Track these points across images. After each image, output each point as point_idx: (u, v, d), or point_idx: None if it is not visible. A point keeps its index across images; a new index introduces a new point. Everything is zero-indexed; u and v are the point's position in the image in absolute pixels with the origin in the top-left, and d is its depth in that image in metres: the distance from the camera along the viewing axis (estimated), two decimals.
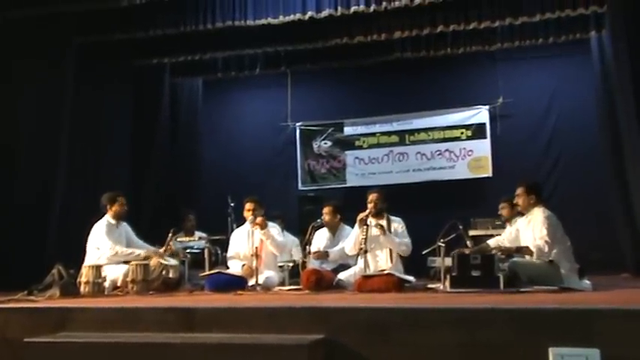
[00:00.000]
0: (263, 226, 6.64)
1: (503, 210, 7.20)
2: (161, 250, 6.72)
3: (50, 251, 7.32)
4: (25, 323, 4.52)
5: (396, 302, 4.61)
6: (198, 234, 8.00)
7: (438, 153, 9.85)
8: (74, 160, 8.06)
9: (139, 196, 8.54)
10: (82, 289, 6.15)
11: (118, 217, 6.84)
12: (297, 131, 10.46)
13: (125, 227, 6.94)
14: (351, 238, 6.63)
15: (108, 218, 6.81)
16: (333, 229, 7.16)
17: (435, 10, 7.83)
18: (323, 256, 6.91)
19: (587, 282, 5.72)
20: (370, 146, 10.19)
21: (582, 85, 9.12)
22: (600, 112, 8.45)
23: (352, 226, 6.83)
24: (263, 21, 7.80)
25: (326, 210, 7.16)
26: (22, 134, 7.73)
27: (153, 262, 6.53)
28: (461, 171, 9.70)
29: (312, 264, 6.77)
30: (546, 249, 5.67)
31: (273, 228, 6.86)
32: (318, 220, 7.13)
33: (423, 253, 6.41)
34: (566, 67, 9.54)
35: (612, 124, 7.97)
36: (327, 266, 6.88)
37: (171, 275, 6.60)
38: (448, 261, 5.93)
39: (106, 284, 6.34)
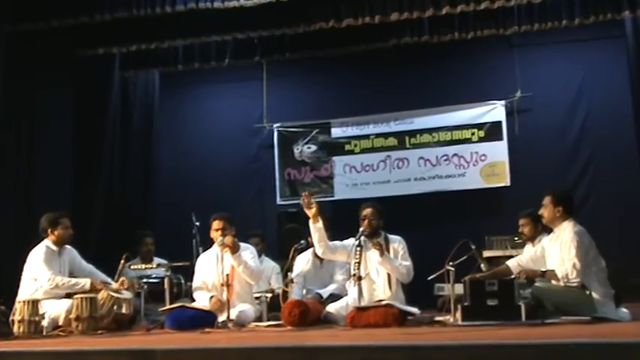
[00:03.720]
0: (234, 249, 6.64)
1: (525, 227, 7.22)
2: (113, 283, 6.70)
3: None
4: None
5: (397, 339, 4.62)
6: (156, 260, 7.98)
7: (444, 158, 9.90)
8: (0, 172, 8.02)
9: (82, 215, 8.48)
10: (15, 328, 6.11)
11: (61, 243, 6.83)
12: (275, 134, 10.48)
13: (70, 253, 6.92)
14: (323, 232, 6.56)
15: (48, 243, 6.79)
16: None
17: None
18: (317, 298, 6.91)
19: (625, 310, 5.78)
20: (363, 151, 10.23)
21: (615, 74, 9.22)
22: (637, 105, 8.53)
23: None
24: (234, 3, 7.82)
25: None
26: None
27: (101, 294, 6.51)
28: (472, 180, 9.75)
29: (295, 294, 6.77)
30: (574, 273, 5.72)
31: (247, 251, 6.86)
32: (302, 242, 7.14)
33: (429, 279, 6.41)
34: (596, 54, 9.64)
35: None
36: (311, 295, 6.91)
37: (124, 310, 6.59)
38: (459, 288, 5.96)
39: (45, 323, 6.29)
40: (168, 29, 8.79)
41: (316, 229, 6.52)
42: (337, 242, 6.69)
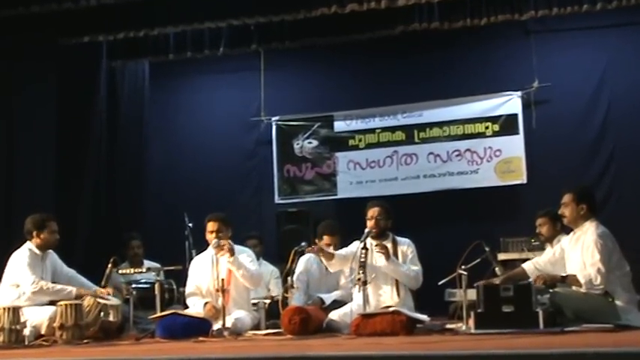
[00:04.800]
0: (231, 252, 6.64)
1: (543, 227, 7.23)
2: (100, 289, 6.70)
3: None
4: None
5: (406, 349, 4.62)
6: (146, 264, 7.98)
7: (456, 154, 9.89)
8: None
9: (67, 216, 8.47)
10: None
11: (46, 247, 6.84)
12: (273, 128, 10.47)
13: (52, 257, 6.93)
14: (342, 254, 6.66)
15: (31, 246, 6.80)
16: None
17: None
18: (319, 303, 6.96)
19: None
20: (368, 146, 10.22)
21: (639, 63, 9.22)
22: None
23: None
24: None
25: (327, 239, 7.13)
26: None
27: (87, 301, 6.51)
28: (486, 177, 9.74)
29: (296, 301, 6.77)
30: (599, 279, 5.72)
31: (244, 254, 6.85)
32: (303, 244, 7.12)
33: (439, 283, 6.42)
34: (620, 41, 9.63)
35: None
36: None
37: (111, 318, 6.58)
38: (472, 293, 5.96)
39: (27, 332, 6.28)
40: (159, 15, 8.79)
41: (331, 265, 6.65)
42: (341, 251, 6.70)
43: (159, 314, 6.68)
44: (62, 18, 8.61)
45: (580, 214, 6.04)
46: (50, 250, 6.92)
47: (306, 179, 10.34)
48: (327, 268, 7.03)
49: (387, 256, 6.46)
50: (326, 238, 7.16)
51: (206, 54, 9.51)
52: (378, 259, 6.54)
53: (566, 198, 6.10)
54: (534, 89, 9.65)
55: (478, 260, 6.16)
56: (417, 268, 6.60)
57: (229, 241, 6.69)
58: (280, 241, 9.14)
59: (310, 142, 10.38)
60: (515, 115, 9.72)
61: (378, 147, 10.17)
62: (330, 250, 6.82)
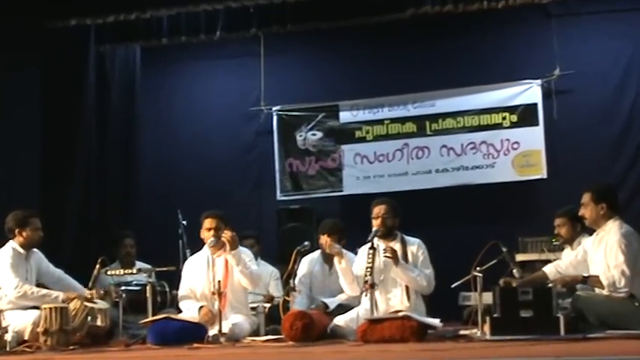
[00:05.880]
0: (234, 244, 6.63)
1: (562, 228, 7.21)
2: (87, 291, 6.70)
3: None
4: None
5: (416, 356, 4.62)
6: (137, 265, 7.99)
7: (471, 147, 9.87)
8: None
9: (53, 213, 8.50)
10: None
11: (30, 246, 6.87)
12: (274, 118, 10.46)
13: (36, 257, 6.96)
14: (352, 270, 6.65)
15: (14, 245, 6.83)
16: (330, 259, 7.17)
17: None
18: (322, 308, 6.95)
19: None
20: (376, 138, 10.20)
21: None
22: None
23: (353, 251, 6.84)
24: None
25: (324, 239, 7.08)
26: None
27: (74, 304, 6.53)
28: (503, 171, 9.71)
29: (298, 305, 6.77)
30: (623, 282, 5.73)
31: (244, 254, 6.86)
32: (306, 244, 7.13)
33: (453, 286, 6.43)
34: None
35: None
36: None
37: (99, 323, 6.60)
38: (487, 297, 5.96)
39: (9, 337, 6.30)
40: None
41: (342, 270, 6.60)
42: (354, 268, 6.68)
43: (150, 319, 6.69)
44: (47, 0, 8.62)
45: (600, 213, 6.06)
46: (35, 250, 6.94)
47: (309, 174, 10.32)
48: (330, 268, 7.05)
49: (396, 261, 6.46)
50: (324, 239, 7.11)
51: (202, 38, 9.49)
52: (387, 264, 6.54)
53: (585, 198, 6.14)
54: (555, 77, 9.62)
55: (494, 261, 6.16)
56: (428, 271, 6.61)
57: (233, 233, 6.66)
58: (281, 241, 9.14)
59: (314, 134, 10.37)
60: (534, 105, 9.69)
61: (387, 139, 10.15)
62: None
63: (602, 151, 9.50)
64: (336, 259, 6.72)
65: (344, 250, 6.82)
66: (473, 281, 6.03)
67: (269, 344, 6.25)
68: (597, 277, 5.88)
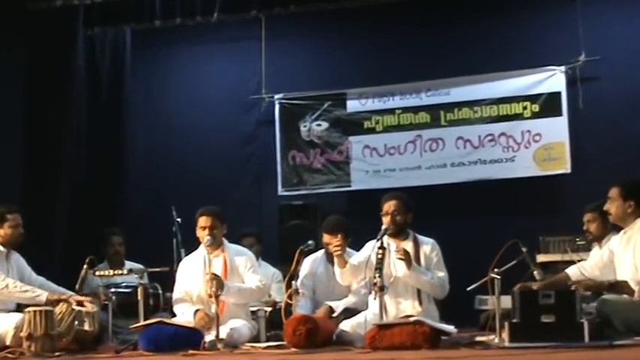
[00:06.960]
0: (219, 286, 6.49)
1: (592, 224, 7.18)
2: (76, 296, 6.72)
3: None
4: None
5: None
6: (128, 265, 8.02)
7: (489, 139, 9.87)
8: None
9: (38, 210, 8.52)
10: None
11: (10, 244, 6.89)
12: (276, 107, 10.47)
13: (18, 260, 6.99)
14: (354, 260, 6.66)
15: None
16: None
17: None
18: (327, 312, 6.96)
19: None
20: (387, 129, 10.21)
21: None
22: None
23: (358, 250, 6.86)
24: None
25: (326, 238, 7.11)
26: None
27: (59, 307, 6.54)
28: (524, 165, 9.72)
29: (301, 308, 6.78)
30: None
31: (241, 258, 6.91)
32: (310, 243, 7.13)
33: (469, 289, 6.44)
34: None
35: None
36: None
37: (87, 327, 6.60)
38: (506, 301, 5.96)
39: None
40: None
41: (343, 274, 6.67)
42: (354, 259, 6.70)
43: (142, 323, 6.69)
44: None
45: (628, 211, 6.09)
46: (16, 253, 6.96)
47: (314, 167, 10.34)
48: (333, 267, 7.06)
49: (409, 264, 6.46)
50: (325, 237, 7.13)
51: (198, 21, 9.52)
52: (398, 265, 6.55)
53: (613, 192, 6.14)
54: (581, 64, 9.60)
55: (514, 262, 6.15)
56: (442, 274, 6.63)
57: (217, 274, 6.60)
58: (283, 240, 9.16)
59: (319, 125, 10.37)
60: (558, 94, 9.68)
61: (398, 130, 10.16)
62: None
63: (631, 143, 9.46)
64: (336, 263, 6.72)
65: (347, 249, 6.89)
66: (490, 284, 6.02)
67: (270, 351, 6.25)
68: (625, 282, 5.87)
